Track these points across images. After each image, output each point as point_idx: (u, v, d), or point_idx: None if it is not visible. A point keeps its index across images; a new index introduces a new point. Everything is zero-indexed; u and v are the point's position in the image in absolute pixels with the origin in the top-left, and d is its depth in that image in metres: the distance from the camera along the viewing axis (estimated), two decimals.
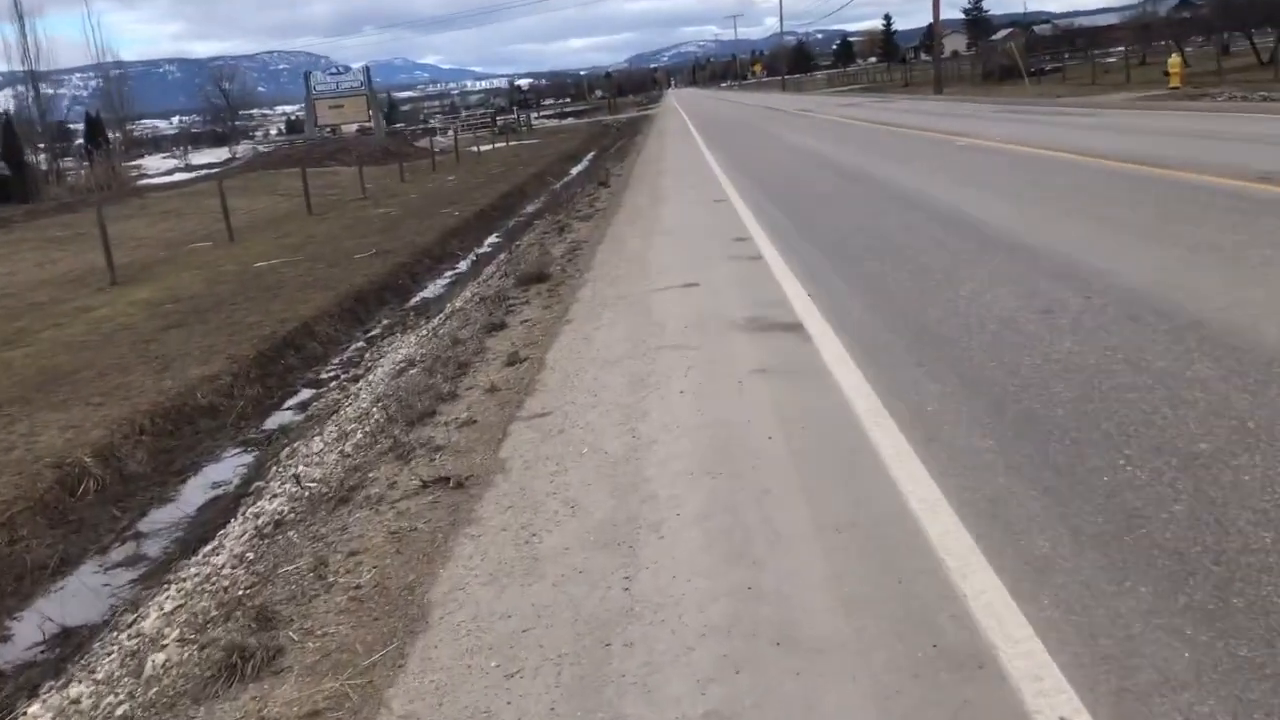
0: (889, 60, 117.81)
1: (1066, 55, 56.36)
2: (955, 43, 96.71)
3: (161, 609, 4.45)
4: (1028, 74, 42.79)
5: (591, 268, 9.51)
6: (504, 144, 50.28)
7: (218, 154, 56.49)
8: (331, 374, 9.84)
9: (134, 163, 49.64)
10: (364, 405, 7.23)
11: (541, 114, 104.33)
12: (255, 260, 16.79)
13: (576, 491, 4.01)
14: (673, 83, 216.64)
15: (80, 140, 45.56)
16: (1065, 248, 7.37)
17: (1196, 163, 11.06)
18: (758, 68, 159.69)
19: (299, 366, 10.20)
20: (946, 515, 3.35)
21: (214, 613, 3.81)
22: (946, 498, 3.48)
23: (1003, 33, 79.44)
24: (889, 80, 76.86)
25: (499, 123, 69.87)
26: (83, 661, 4.34)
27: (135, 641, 4.13)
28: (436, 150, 44.54)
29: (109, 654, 4.18)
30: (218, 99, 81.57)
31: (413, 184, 30.79)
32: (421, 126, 74.64)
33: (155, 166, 51.72)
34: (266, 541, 4.58)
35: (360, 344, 11.11)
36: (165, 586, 4.89)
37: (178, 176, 42.69)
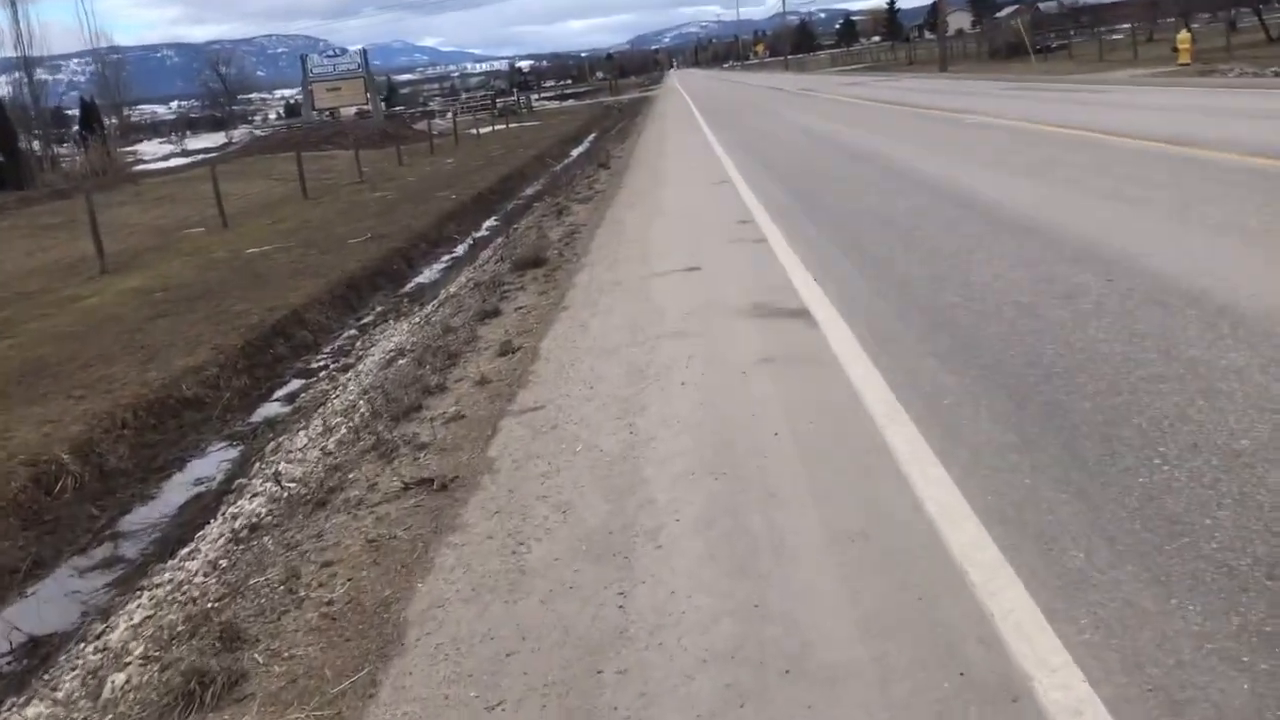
0: (892, 39, 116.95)
1: (1072, 32, 55.81)
2: (960, 20, 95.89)
3: (131, 619, 4.19)
4: (1034, 51, 42.30)
5: (589, 252, 9.21)
6: (504, 126, 49.81)
7: (214, 139, 56.06)
8: (321, 363, 9.56)
9: (130, 148, 49.22)
10: (351, 398, 6.96)
11: (542, 96, 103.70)
12: (248, 246, 16.49)
13: (569, 494, 3.73)
14: (675, 64, 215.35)
15: (76, 126, 45.12)
16: (1084, 229, 7.06)
17: (1214, 140, 10.73)
18: (760, 48, 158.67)
19: (288, 356, 9.92)
20: (969, 522, 3.07)
21: (180, 627, 3.54)
22: (968, 502, 3.20)
23: (1008, 10, 78.68)
24: (893, 59, 76.23)
25: (498, 105, 69.31)
26: (47, 676, 4.08)
27: (100, 656, 3.87)
28: (435, 133, 44.13)
29: (74, 669, 3.93)
30: (215, 83, 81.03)
31: (410, 167, 30.44)
32: (421, 109, 74.07)
33: (151, 152, 51.31)
34: (241, 547, 4.32)
35: (352, 331, 10.83)
36: (138, 594, 4.63)
37: (174, 162, 42.32)
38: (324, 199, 23.25)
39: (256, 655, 2.97)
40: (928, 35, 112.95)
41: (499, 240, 13.89)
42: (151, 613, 4.10)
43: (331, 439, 5.72)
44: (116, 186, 30.75)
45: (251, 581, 3.63)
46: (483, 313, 7.28)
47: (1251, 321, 4.56)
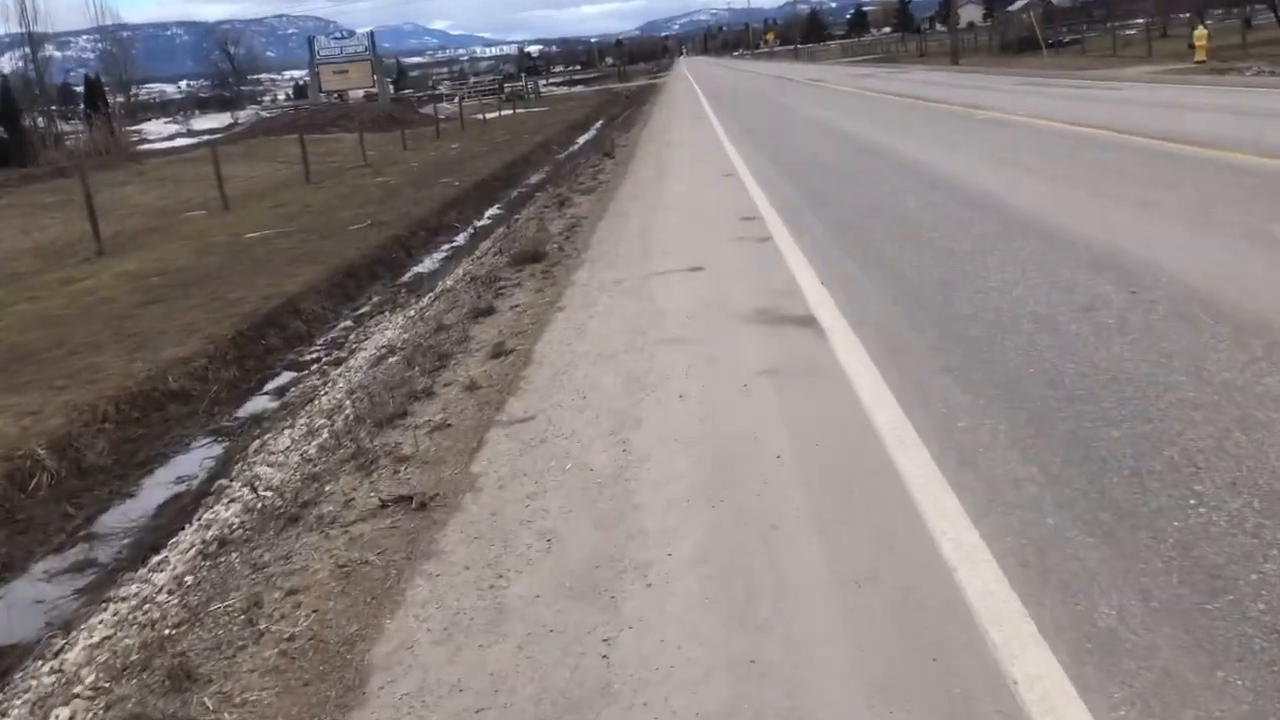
0: (904, 31, 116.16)
1: (1084, 27, 55.29)
2: (971, 13, 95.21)
3: (90, 637, 3.95)
4: (1046, 46, 41.84)
5: (590, 247, 8.94)
6: (510, 111, 49.44)
7: (220, 119, 55.78)
8: (314, 356, 9.30)
9: (135, 127, 48.94)
10: (338, 396, 6.71)
11: (551, 81, 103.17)
12: (248, 230, 16.23)
13: (555, 520, 3.48)
14: (684, 51, 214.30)
15: (82, 105, 44.84)
16: (1103, 234, 6.78)
17: (1235, 141, 10.42)
18: (770, 37, 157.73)
19: (280, 347, 9.67)
20: (987, 567, 2.81)
21: (135, 655, 3.30)
22: (986, 542, 2.94)
23: (1019, 3, 78.00)
24: (904, 51, 75.66)
25: (506, 90, 68.85)
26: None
27: (53, 680, 3.63)
28: (441, 117, 43.77)
29: (25, 692, 3.68)
30: (223, 64, 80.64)
31: (415, 152, 30.14)
32: (429, 93, 73.64)
33: (157, 131, 51.03)
34: (208, 563, 4.07)
35: (347, 323, 10.57)
36: (103, 606, 4.38)
37: (179, 142, 42.04)
38: (327, 183, 22.98)
39: (206, 699, 2.73)
40: (939, 27, 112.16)
41: (499, 230, 13.62)
42: (111, 632, 3.85)
43: (313, 443, 5.47)
44: (120, 166, 30.50)
45: (212, 607, 3.38)
46: (477, 310, 7.02)
47: None
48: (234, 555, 3.95)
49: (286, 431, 6.49)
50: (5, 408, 7.43)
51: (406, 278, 12.75)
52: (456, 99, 56.43)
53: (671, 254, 8.04)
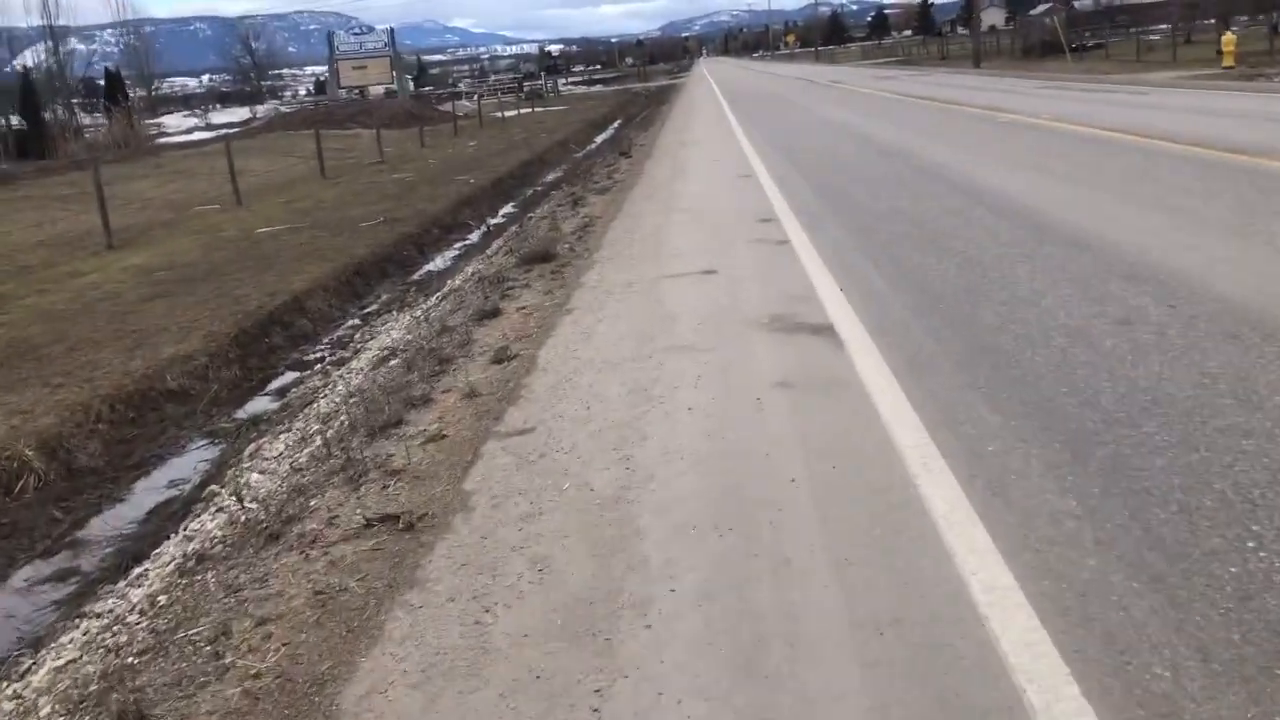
0: (925, 33, 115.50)
1: (1108, 31, 54.66)
2: (993, 17, 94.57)
3: (58, 658, 3.72)
4: (1070, 50, 41.32)
5: (601, 247, 8.68)
6: (529, 110, 49.24)
7: (239, 114, 55.84)
8: (318, 355, 9.08)
9: (155, 121, 49.01)
10: (337, 400, 6.47)
11: (570, 80, 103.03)
12: (259, 226, 16.06)
13: (549, 546, 3.22)
14: (704, 52, 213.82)
15: (96, 99, 44.93)
16: (1137, 242, 6.47)
17: (1270, 147, 10.07)
18: (791, 38, 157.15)
19: (284, 346, 9.45)
20: (1022, 614, 2.53)
21: (94, 686, 3.06)
22: (1020, 585, 2.66)
23: (1042, 7, 77.31)
24: (925, 54, 75.10)
25: (525, 88, 68.70)
26: None
27: (12, 707, 3.39)
28: (460, 115, 43.61)
29: None
30: (245, 58, 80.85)
31: (432, 149, 29.97)
32: (448, 90, 73.57)
33: (175, 125, 51.08)
34: (184, 581, 3.82)
35: (354, 322, 10.35)
36: (76, 623, 4.15)
37: (197, 136, 42.04)
38: (342, 179, 22.81)
39: None
40: (960, 30, 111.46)
41: (512, 229, 13.38)
42: (78, 655, 3.62)
43: (305, 450, 5.23)
44: (137, 159, 30.46)
45: (179, 635, 3.14)
46: (482, 313, 6.77)
47: None
48: (210, 574, 3.71)
49: (283, 436, 6.26)
50: None
51: (416, 276, 12.53)
52: (475, 97, 56.27)
53: (684, 256, 7.78)
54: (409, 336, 7.43)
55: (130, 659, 3.17)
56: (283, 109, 56.07)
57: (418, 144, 31.22)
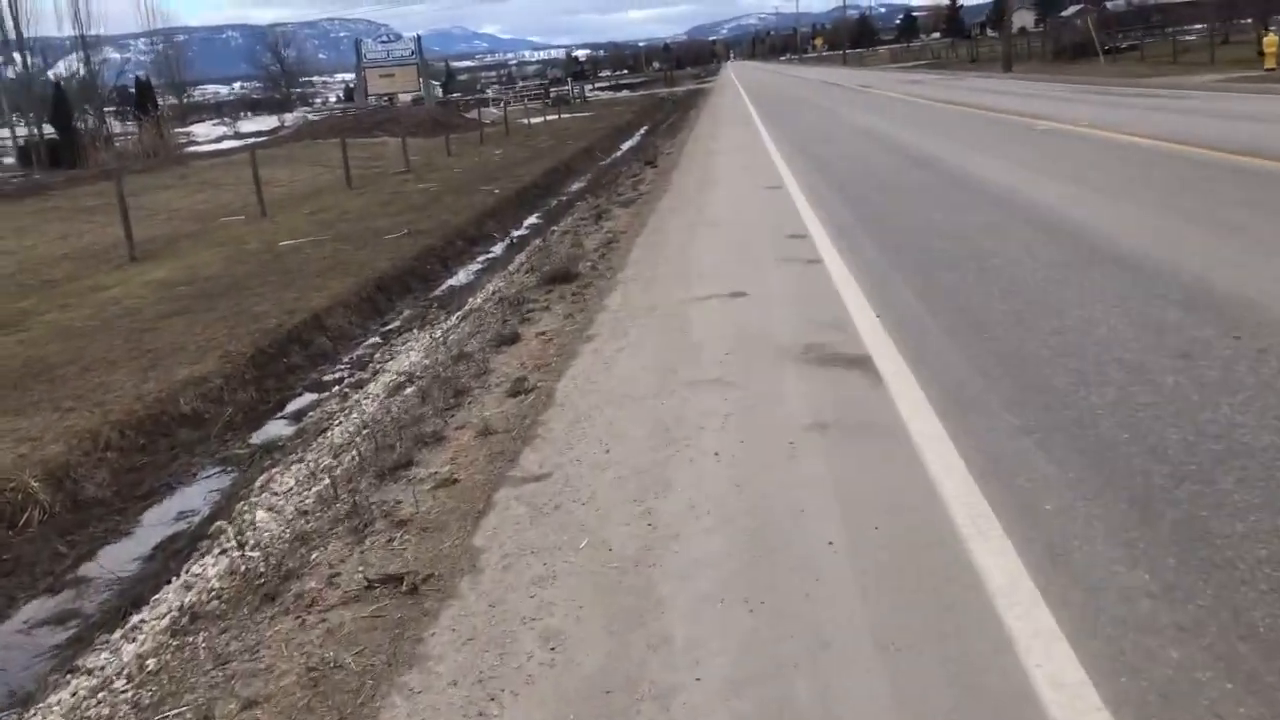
0: (954, 36, 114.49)
1: (1140, 33, 53.79)
2: (1023, 19, 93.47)
3: None
4: (1103, 52, 40.64)
5: (625, 266, 8.40)
6: (555, 116, 49.13)
7: (267, 122, 56.14)
8: (337, 376, 8.86)
9: (184, 129, 49.33)
10: (351, 429, 6.23)
11: (597, 85, 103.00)
12: (283, 238, 15.93)
13: (563, 618, 2.93)
14: (731, 56, 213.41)
15: (129, 108, 45.29)
16: (1192, 264, 6.10)
17: None
18: (819, 42, 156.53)
19: (303, 366, 9.25)
20: (1099, 716, 2.22)
21: None
22: (1095, 680, 2.35)
23: (1072, 9, 76.29)
24: (954, 56, 74.38)
25: (551, 94, 68.68)
26: None
27: None
28: (486, 121, 43.56)
29: None
30: (274, 66, 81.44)
31: (458, 157, 29.87)
32: (475, 96, 73.68)
33: (204, 134, 51.42)
34: (175, 642, 3.58)
35: (375, 339, 10.14)
36: (67, 679, 3.92)
37: (225, 144, 42.25)
38: (367, 189, 22.72)
39: None
40: (990, 33, 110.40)
41: (535, 243, 13.13)
42: None
43: (313, 489, 4.99)
44: (165, 168, 30.58)
45: (160, 714, 2.88)
46: (500, 338, 6.51)
47: None
48: (202, 636, 3.46)
49: (294, 467, 6.03)
50: (7, 432, 7.06)
51: (439, 291, 12.31)
52: (501, 103, 56.27)
53: (711, 276, 7.48)
54: (426, 361, 7.19)
55: None
56: (311, 117, 56.32)
57: (444, 152, 31.13)
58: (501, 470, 4.19)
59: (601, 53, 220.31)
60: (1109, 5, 69.45)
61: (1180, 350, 4.58)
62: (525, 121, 45.08)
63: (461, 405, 5.31)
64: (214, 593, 3.98)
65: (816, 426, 4.19)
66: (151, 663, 3.49)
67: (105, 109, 43.72)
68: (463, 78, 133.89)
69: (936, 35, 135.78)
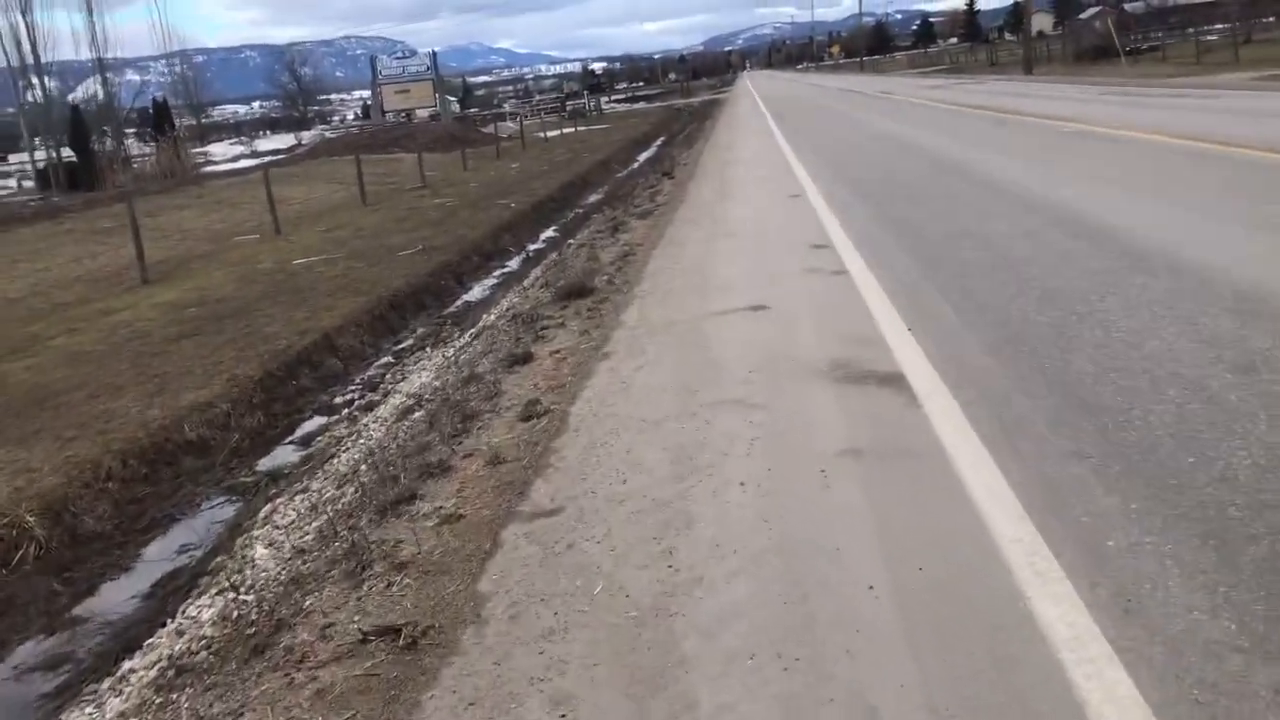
0: (971, 41, 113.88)
1: (1160, 34, 53.15)
2: (1040, 22, 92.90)
3: None
4: (1124, 53, 40.11)
5: (642, 280, 8.11)
6: (572, 129, 49.02)
7: (284, 140, 56.31)
8: (347, 399, 8.61)
9: (202, 149, 49.54)
10: (357, 457, 5.96)
11: (613, 98, 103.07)
12: (296, 256, 15.77)
13: (575, 679, 2.63)
14: (747, 66, 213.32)
15: (149, 129, 45.54)
16: (1244, 270, 5.75)
17: None
18: (835, 49, 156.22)
19: (313, 388, 9.01)
20: None
21: None
22: None
23: (1091, 10, 75.67)
24: (973, 61, 73.85)
25: (568, 107, 68.64)
26: None
27: None
28: (503, 136, 43.48)
29: None
30: (291, 84, 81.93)
31: (474, 172, 29.73)
32: (492, 111, 73.79)
33: (222, 153, 51.60)
34: (160, 699, 3.30)
35: (387, 359, 9.89)
36: None
37: (242, 164, 42.35)
38: (382, 205, 22.58)
39: None
40: (1007, 36, 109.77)
41: (551, 256, 12.87)
42: None
43: (313, 524, 4.71)
44: (181, 188, 30.59)
45: None
46: (513, 357, 6.23)
47: None
48: (187, 694, 3.18)
49: (299, 498, 5.76)
50: (6, 463, 6.85)
51: (453, 308, 12.06)
52: (518, 117, 56.25)
53: (732, 290, 7.18)
54: (436, 383, 6.91)
55: None
56: (328, 134, 56.48)
57: (460, 167, 31.03)
58: (510, 504, 3.90)
59: (618, 65, 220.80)
60: (1127, 7, 68.82)
61: (1241, 364, 4.24)
62: (542, 135, 44.98)
63: (470, 431, 5.03)
64: (205, 641, 3.70)
65: (849, 452, 3.88)
66: None
67: (125, 130, 44.00)
68: (480, 93, 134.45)
69: (954, 40, 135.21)
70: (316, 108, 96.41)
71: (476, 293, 12.91)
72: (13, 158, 50.40)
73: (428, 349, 9.62)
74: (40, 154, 37.53)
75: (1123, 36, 43.80)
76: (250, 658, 3.22)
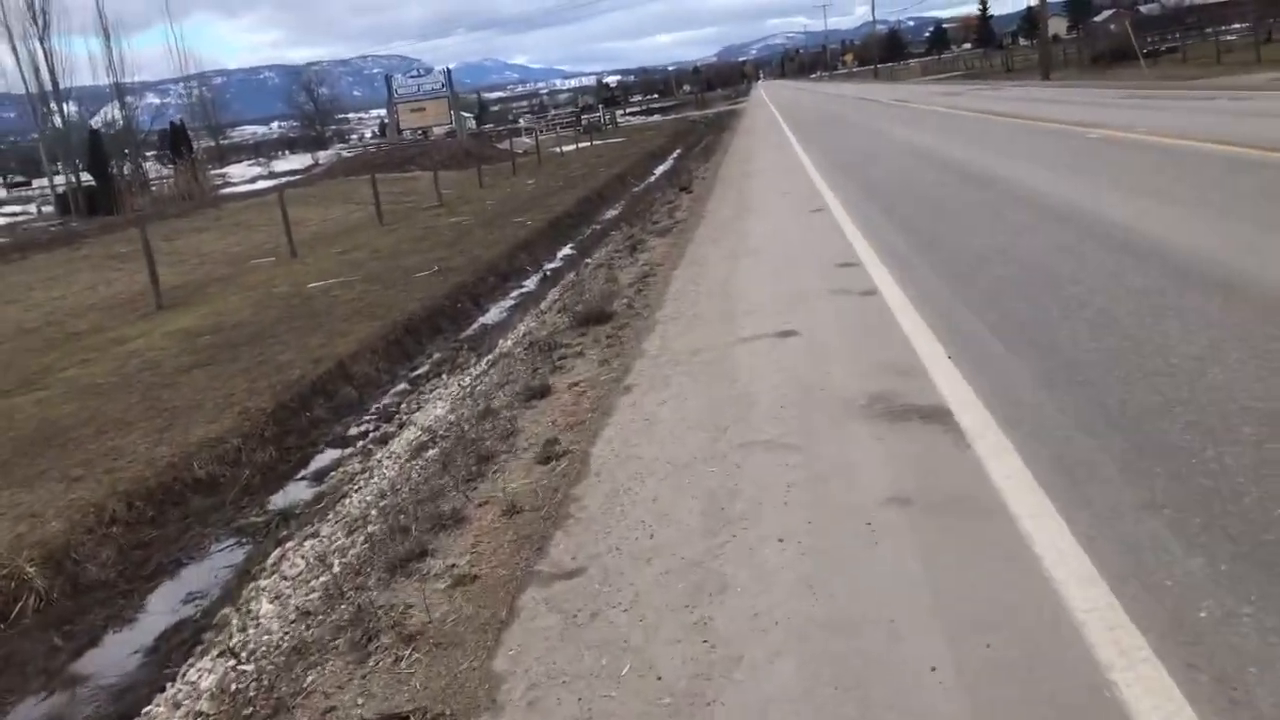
0: (985, 46, 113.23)
1: (1177, 35, 52.54)
2: (1054, 26, 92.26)
3: None
4: (1142, 55, 39.59)
5: (663, 303, 7.81)
6: (588, 144, 48.87)
7: (301, 160, 56.46)
8: (361, 430, 8.36)
9: (220, 171, 49.71)
10: (369, 498, 5.69)
11: (628, 111, 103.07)
12: (312, 279, 15.59)
13: None
14: (761, 75, 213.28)
15: (168, 151, 45.73)
16: None
17: None
18: (849, 58, 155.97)
19: (327, 419, 8.76)
20: None
21: None
22: None
23: (1105, 14, 75.07)
24: (988, 66, 73.31)
25: (583, 121, 68.60)
26: None
27: None
28: (519, 152, 43.38)
29: None
30: (308, 104, 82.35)
31: (490, 189, 29.57)
32: (507, 127, 73.84)
33: (240, 174, 51.76)
34: None
35: (403, 386, 9.64)
36: None
37: (260, 185, 42.42)
38: (399, 225, 22.42)
39: None
40: (1021, 41, 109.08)
41: (568, 276, 12.60)
42: None
43: (320, 579, 4.42)
44: (198, 211, 30.58)
45: None
46: (530, 391, 5.94)
47: None
48: None
49: (309, 543, 5.49)
50: (8, 508, 6.62)
51: (470, 331, 11.82)
52: (533, 133, 56.20)
53: (758, 313, 6.88)
54: (451, 416, 6.63)
55: None
56: (344, 154, 56.61)
57: (476, 184, 30.88)
58: (528, 562, 3.60)
59: (632, 78, 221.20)
60: (1142, 9, 68.18)
61: None
62: (558, 150, 44.86)
63: (485, 475, 4.73)
64: (201, 718, 3.42)
65: (896, 501, 3.56)
66: None
67: (146, 153, 44.19)
68: (495, 109, 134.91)
69: (967, 46, 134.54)
70: (334, 127, 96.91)
71: (493, 315, 12.66)
72: (36, 182, 50.81)
73: (444, 376, 9.37)
74: (60, 179, 37.71)
75: (1139, 38, 43.27)
76: None
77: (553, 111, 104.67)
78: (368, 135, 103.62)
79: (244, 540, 6.32)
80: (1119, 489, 3.38)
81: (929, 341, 5.46)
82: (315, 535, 5.57)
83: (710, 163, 24.22)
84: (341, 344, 10.58)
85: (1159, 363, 4.54)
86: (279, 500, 6.95)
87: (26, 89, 35.79)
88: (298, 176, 44.49)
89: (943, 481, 3.67)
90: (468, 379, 8.22)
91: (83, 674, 4.90)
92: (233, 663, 3.82)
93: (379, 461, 6.76)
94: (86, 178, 37.23)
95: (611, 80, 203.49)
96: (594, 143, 49.21)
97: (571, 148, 46.38)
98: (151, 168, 44.42)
